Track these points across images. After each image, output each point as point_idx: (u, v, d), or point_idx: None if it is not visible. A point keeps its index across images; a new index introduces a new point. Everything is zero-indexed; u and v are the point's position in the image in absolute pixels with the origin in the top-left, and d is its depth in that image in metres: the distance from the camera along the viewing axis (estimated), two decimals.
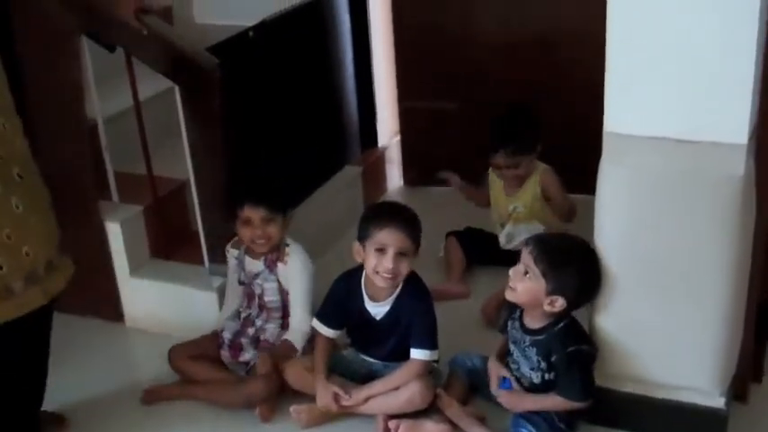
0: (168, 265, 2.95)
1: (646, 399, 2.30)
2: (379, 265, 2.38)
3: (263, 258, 2.64)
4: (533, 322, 2.31)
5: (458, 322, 2.78)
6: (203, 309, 2.81)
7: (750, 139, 2.01)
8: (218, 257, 2.79)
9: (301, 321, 2.61)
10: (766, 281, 2.32)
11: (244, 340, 2.64)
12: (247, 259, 2.67)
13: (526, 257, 2.28)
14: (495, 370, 2.40)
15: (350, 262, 2.83)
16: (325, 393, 2.44)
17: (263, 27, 2.93)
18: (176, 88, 2.66)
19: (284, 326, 2.66)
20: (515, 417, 2.33)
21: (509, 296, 2.30)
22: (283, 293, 2.65)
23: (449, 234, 3.15)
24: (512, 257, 3.01)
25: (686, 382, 2.24)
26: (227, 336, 2.67)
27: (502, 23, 3.44)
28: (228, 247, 2.73)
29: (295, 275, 2.63)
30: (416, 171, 3.76)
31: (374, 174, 3.66)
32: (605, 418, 2.35)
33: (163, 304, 2.89)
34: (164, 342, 2.74)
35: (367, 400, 2.43)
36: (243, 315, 2.70)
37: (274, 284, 2.64)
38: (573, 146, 3.02)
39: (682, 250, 2.10)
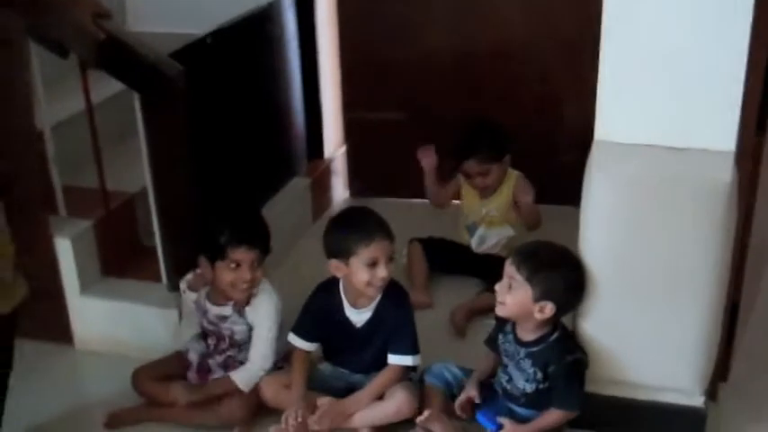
0: (122, 282, 2.82)
1: (628, 401, 2.34)
2: (374, 277, 2.34)
3: (231, 303, 2.50)
4: (527, 334, 2.30)
5: (423, 333, 2.75)
6: (162, 327, 2.69)
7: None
8: (178, 273, 2.68)
9: (264, 357, 2.47)
10: (735, 282, 2.40)
11: (212, 362, 2.54)
12: (208, 305, 2.53)
13: (509, 269, 2.27)
14: (470, 392, 2.37)
15: (301, 274, 2.90)
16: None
17: (217, 35, 2.84)
18: (136, 96, 2.55)
19: None
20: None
21: (500, 312, 2.29)
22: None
23: (412, 240, 3.13)
24: (478, 264, 3.05)
25: (669, 382, 2.29)
26: (193, 357, 2.56)
27: (451, 33, 3.44)
28: (183, 286, 2.58)
29: (264, 315, 2.48)
30: (362, 182, 3.73)
31: (321, 185, 3.60)
32: (588, 422, 2.36)
33: (117, 324, 2.76)
34: (119, 364, 2.63)
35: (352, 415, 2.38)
36: (211, 343, 2.57)
37: (244, 326, 2.51)
38: (522, 156, 3.08)
39: (668, 255, 2.15)
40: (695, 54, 2.01)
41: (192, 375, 2.55)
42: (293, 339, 2.48)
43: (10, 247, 2.14)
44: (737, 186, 2.11)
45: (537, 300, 2.23)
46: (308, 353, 2.49)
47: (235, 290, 2.46)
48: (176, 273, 2.68)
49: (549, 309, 2.23)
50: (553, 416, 2.27)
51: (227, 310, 2.51)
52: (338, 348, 2.52)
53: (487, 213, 3.05)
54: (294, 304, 2.60)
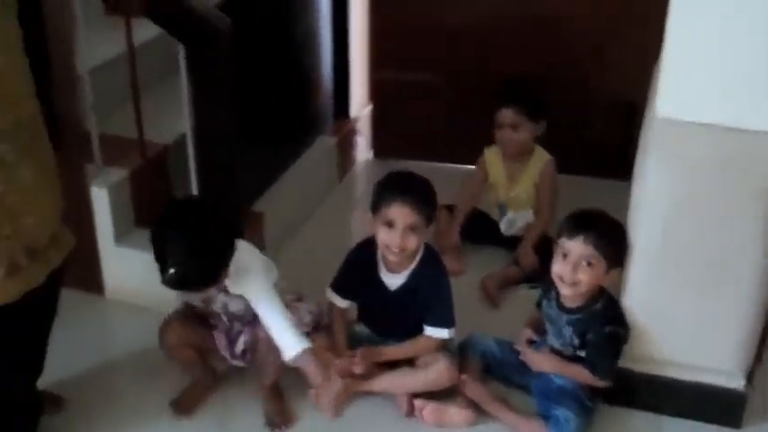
0: None
1: (667, 380, 2.35)
2: (388, 239, 2.33)
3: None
4: (572, 302, 2.32)
5: (456, 299, 2.75)
6: None
7: None
8: None
9: (283, 313, 2.30)
10: None
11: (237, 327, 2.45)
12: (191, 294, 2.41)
13: (582, 248, 2.23)
14: (527, 335, 2.44)
15: (329, 233, 2.98)
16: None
17: None
18: (180, 48, 2.49)
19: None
20: (543, 399, 2.34)
21: (573, 292, 2.27)
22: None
23: (442, 207, 3.04)
24: (506, 241, 3.04)
25: (712, 363, 2.30)
26: (224, 318, 2.44)
27: None
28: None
29: (251, 279, 2.30)
30: (387, 143, 3.69)
31: (347, 145, 3.57)
32: (625, 400, 2.39)
33: (149, 276, 2.70)
34: (149, 316, 2.58)
35: (381, 366, 2.40)
36: (213, 323, 2.47)
37: (237, 299, 2.37)
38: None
39: (721, 239, 2.15)
40: (762, 32, 1.98)
41: (219, 336, 2.46)
42: (330, 295, 2.48)
43: (61, 200, 2.11)
44: None
45: (608, 271, 2.25)
46: (345, 312, 2.49)
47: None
48: None
49: (616, 274, 2.27)
50: (583, 373, 2.29)
51: (210, 291, 2.37)
52: (373, 311, 2.52)
53: (516, 195, 3.03)
54: (319, 263, 2.63)
